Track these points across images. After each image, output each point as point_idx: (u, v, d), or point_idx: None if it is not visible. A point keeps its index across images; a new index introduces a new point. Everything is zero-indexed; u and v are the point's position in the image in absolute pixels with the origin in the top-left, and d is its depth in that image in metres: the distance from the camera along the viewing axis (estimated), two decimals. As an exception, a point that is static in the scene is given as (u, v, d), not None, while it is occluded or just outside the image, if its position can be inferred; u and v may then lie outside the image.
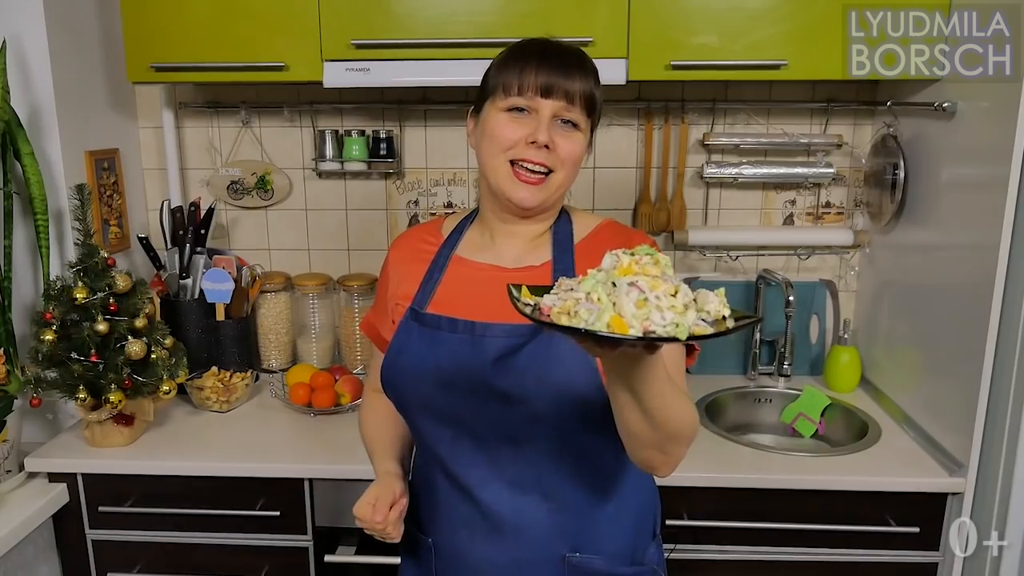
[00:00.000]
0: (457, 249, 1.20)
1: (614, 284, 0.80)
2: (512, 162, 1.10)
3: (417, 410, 1.14)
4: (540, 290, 0.87)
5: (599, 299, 0.79)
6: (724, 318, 0.82)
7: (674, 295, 0.79)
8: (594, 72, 1.12)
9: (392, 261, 1.25)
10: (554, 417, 1.06)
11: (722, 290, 0.84)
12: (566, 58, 1.10)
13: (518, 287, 0.88)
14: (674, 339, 0.76)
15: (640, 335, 0.76)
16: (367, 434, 1.28)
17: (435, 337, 1.12)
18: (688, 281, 2.09)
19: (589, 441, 1.09)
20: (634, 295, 0.78)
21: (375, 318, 1.27)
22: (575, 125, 1.10)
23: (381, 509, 1.09)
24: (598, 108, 1.12)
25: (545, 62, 1.08)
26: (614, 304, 0.78)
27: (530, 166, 1.09)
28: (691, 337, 0.77)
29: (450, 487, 1.14)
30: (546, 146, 1.07)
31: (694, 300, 0.82)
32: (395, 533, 1.11)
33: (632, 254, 0.84)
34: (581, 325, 0.78)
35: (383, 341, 1.23)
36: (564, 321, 0.79)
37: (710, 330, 0.78)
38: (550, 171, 1.10)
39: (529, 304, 0.85)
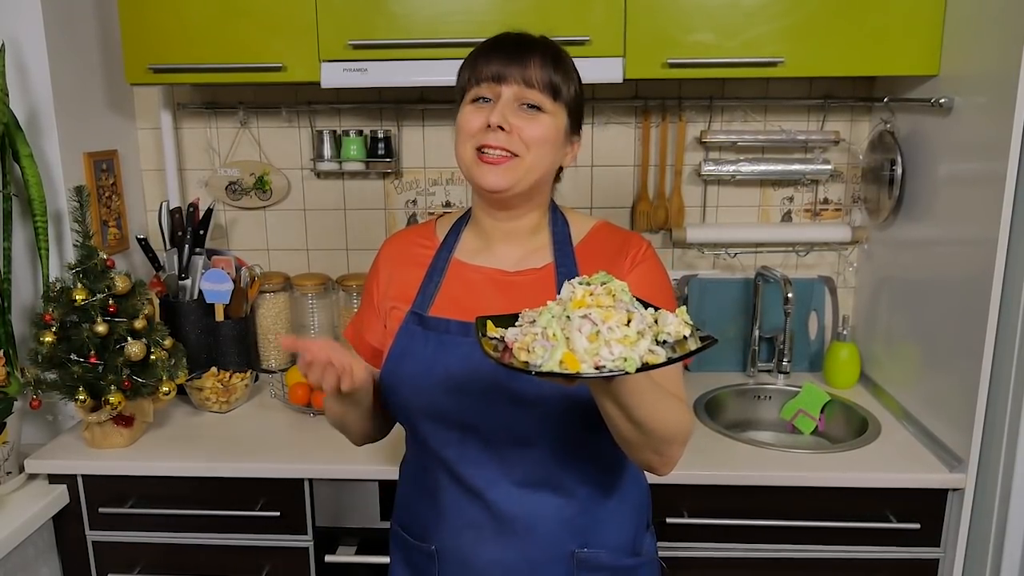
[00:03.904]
0: (455, 252, 1.19)
1: (568, 317, 0.83)
2: (478, 149, 1.09)
3: (421, 415, 1.12)
4: (506, 321, 0.90)
5: (553, 335, 0.82)
6: (685, 338, 0.86)
7: (628, 323, 0.83)
8: (555, 56, 1.11)
9: (383, 263, 1.23)
10: (564, 417, 1.06)
11: (683, 309, 0.88)
12: (520, 42, 1.10)
13: (483, 321, 0.91)
14: (624, 372, 0.80)
15: (592, 369, 0.79)
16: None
17: (443, 340, 1.11)
18: (686, 279, 2.10)
19: (595, 437, 1.09)
20: (587, 328, 0.81)
21: (362, 324, 1.23)
22: (539, 108, 1.09)
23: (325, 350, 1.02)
24: (564, 93, 1.10)
25: (498, 50, 1.09)
26: (568, 339, 0.81)
27: (490, 151, 1.08)
28: (644, 367, 0.81)
29: (456, 489, 1.14)
30: (501, 128, 1.07)
31: (655, 321, 0.86)
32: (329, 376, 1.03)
33: (588, 283, 0.87)
34: (537, 362, 0.81)
35: (369, 349, 1.21)
36: (524, 357, 0.83)
37: (663, 358, 0.82)
38: (516, 155, 1.09)
39: (495, 338, 0.89)
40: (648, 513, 1.26)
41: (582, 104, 1.16)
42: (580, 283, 0.87)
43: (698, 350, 0.84)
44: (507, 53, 1.09)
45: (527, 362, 0.82)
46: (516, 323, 0.89)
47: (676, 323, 0.85)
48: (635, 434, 0.97)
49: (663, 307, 0.89)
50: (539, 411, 1.06)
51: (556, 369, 0.80)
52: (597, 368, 0.80)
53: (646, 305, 0.89)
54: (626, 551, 1.18)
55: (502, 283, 1.15)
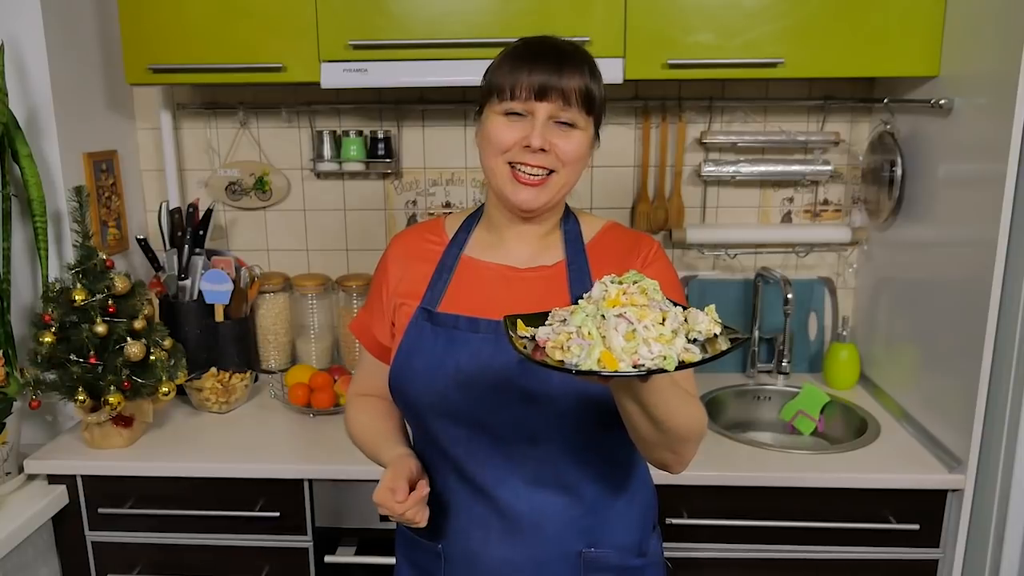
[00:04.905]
0: (466, 249, 1.19)
1: (603, 316, 0.83)
2: (511, 164, 1.09)
3: (430, 412, 1.12)
4: (535, 319, 0.90)
5: (589, 334, 0.82)
6: (716, 335, 0.86)
7: (662, 322, 0.83)
8: (590, 67, 1.10)
9: (392, 259, 1.23)
10: (575, 415, 1.06)
11: (712, 307, 0.87)
12: (560, 57, 1.08)
13: (513, 320, 0.91)
14: (662, 370, 0.79)
15: (630, 368, 0.79)
16: (365, 430, 1.22)
17: (453, 336, 1.11)
18: (686, 280, 2.10)
19: (606, 436, 1.10)
20: (623, 327, 0.81)
21: (370, 319, 1.24)
22: (573, 124, 1.08)
23: (400, 492, 1.04)
24: (597, 104, 1.10)
25: (538, 63, 1.07)
26: (604, 338, 0.81)
27: (528, 169, 1.08)
28: (681, 364, 0.80)
29: (464, 488, 1.14)
30: (542, 149, 1.07)
31: (685, 320, 0.86)
32: (420, 517, 1.05)
33: (620, 282, 0.87)
34: (573, 361, 0.81)
35: (376, 343, 1.22)
36: (558, 355, 0.83)
37: (698, 357, 0.82)
38: (551, 171, 1.09)
39: (525, 336, 0.89)
40: (655, 514, 1.26)
41: (604, 109, 1.15)
42: (612, 282, 0.86)
43: (731, 348, 0.84)
44: (548, 67, 1.06)
45: (562, 361, 0.82)
46: (546, 322, 0.88)
47: (707, 321, 0.86)
48: (653, 433, 0.97)
49: None
50: (549, 408, 1.06)
51: (595, 368, 0.79)
52: (636, 366, 0.79)
53: (673, 304, 0.89)
54: (632, 552, 1.17)
55: (513, 279, 1.15)
